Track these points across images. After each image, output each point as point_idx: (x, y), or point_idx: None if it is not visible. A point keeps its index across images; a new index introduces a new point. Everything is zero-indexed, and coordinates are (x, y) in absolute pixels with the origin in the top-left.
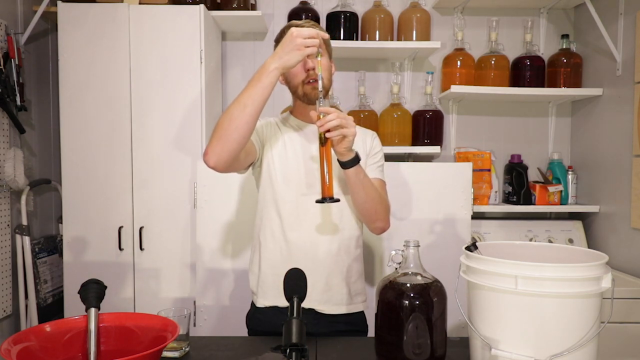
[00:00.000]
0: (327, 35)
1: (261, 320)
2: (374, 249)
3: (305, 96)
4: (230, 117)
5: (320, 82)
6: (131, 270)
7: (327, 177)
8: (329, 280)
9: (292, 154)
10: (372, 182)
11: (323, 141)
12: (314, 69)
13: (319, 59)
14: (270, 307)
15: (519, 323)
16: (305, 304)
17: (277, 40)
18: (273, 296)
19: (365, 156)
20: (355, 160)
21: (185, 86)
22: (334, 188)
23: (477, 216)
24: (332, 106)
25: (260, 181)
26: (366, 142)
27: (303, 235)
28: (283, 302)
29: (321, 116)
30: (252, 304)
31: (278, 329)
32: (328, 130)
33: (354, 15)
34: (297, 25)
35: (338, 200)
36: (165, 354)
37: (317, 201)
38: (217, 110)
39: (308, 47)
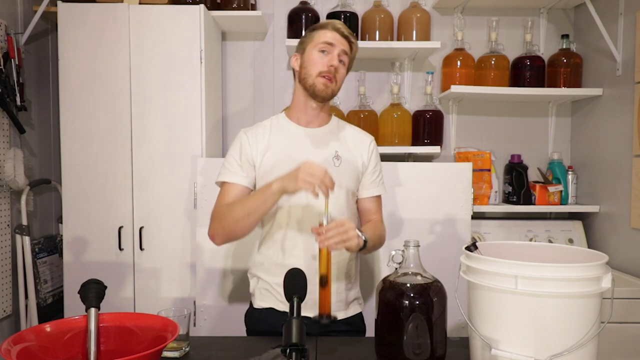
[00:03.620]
0: (333, 185)
1: (259, 320)
2: None
3: (313, 86)
4: (235, 219)
5: (325, 218)
6: (131, 270)
7: (325, 299)
8: None
9: (287, 162)
10: (376, 233)
11: (324, 283)
12: (332, 65)
13: (325, 200)
14: (268, 307)
15: (519, 323)
16: (302, 312)
17: (301, 41)
18: (271, 301)
19: (362, 167)
20: (365, 245)
21: (185, 86)
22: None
23: (477, 216)
24: (331, 107)
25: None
26: (363, 154)
27: (302, 243)
28: (280, 307)
29: (323, 225)
30: (250, 304)
31: (275, 329)
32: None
33: (353, 15)
34: (333, 26)
35: (336, 319)
36: (165, 354)
37: (314, 319)
38: (217, 110)
39: (311, 183)
